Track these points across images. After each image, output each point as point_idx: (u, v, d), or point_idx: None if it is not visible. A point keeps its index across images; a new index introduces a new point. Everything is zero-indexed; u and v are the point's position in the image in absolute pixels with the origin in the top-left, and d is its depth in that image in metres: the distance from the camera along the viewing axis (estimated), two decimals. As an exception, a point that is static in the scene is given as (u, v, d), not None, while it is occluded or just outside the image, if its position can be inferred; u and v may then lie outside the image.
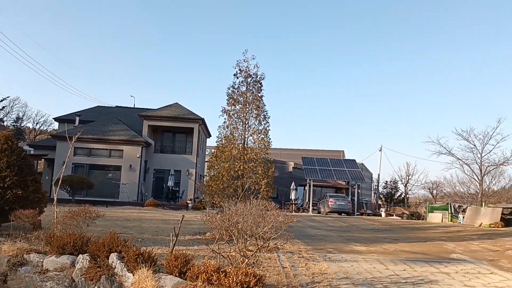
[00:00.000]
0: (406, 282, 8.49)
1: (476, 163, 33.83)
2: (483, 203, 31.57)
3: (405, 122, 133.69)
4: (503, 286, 8.45)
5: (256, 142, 16.51)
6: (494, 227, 25.14)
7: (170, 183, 34.52)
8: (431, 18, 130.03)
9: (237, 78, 17.45)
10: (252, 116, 16.92)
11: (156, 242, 11.48)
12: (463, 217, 30.46)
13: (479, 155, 33.41)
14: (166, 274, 7.00)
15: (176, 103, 39.82)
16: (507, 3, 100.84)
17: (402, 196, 49.69)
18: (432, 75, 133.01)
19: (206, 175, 30.58)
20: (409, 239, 16.94)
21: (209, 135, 44.29)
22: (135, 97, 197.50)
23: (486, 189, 40.87)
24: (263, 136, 16.50)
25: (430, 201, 43.38)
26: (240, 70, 17.86)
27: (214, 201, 14.97)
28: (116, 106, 46.31)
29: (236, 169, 15.40)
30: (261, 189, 13.67)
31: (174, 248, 7.71)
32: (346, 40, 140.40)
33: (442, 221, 32.62)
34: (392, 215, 44.58)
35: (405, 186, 48.91)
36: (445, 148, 35.38)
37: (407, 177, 48.44)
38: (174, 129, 38.64)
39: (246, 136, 16.51)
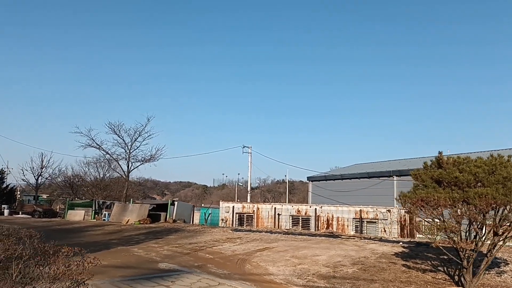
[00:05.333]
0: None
1: (125, 158, 34.00)
2: (131, 200, 32.05)
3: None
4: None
5: None
6: (143, 223, 25.71)
7: None
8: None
9: None
10: None
11: None
12: (108, 214, 29.82)
13: (128, 151, 33.73)
14: None
15: None
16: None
17: (10, 188, 44.28)
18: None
19: None
20: (87, 246, 14.47)
21: None
22: None
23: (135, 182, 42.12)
24: None
25: (69, 196, 40.44)
26: None
27: None
28: None
29: None
30: None
31: None
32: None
33: (84, 218, 30.82)
34: (18, 213, 38.86)
35: (37, 179, 43.75)
36: (94, 141, 33.74)
37: (41, 169, 43.51)
38: None
39: None
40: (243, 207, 30.54)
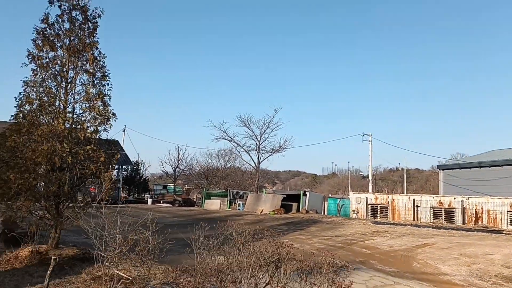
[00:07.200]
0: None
1: (255, 150, 35.27)
2: (264, 190, 33.07)
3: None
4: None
5: (92, 112, 9.64)
6: (277, 213, 26.15)
7: None
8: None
9: (53, 5, 9.31)
10: (81, 71, 9.85)
11: None
12: (243, 203, 31.02)
13: (258, 143, 34.91)
14: None
15: None
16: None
17: (143, 179, 48.39)
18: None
19: None
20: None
21: None
22: None
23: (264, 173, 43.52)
24: (101, 105, 9.83)
25: (205, 187, 43.38)
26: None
27: (13, 207, 8.27)
28: None
29: (64, 155, 8.89)
30: (104, 186, 8.20)
31: None
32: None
33: (220, 208, 32.51)
34: (160, 202, 42.49)
35: (174, 170, 47.73)
36: (226, 133, 35.59)
37: (178, 161, 47.40)
38: None
39: (70, 101, 9.65)
40: (376, 198, 29.34)
